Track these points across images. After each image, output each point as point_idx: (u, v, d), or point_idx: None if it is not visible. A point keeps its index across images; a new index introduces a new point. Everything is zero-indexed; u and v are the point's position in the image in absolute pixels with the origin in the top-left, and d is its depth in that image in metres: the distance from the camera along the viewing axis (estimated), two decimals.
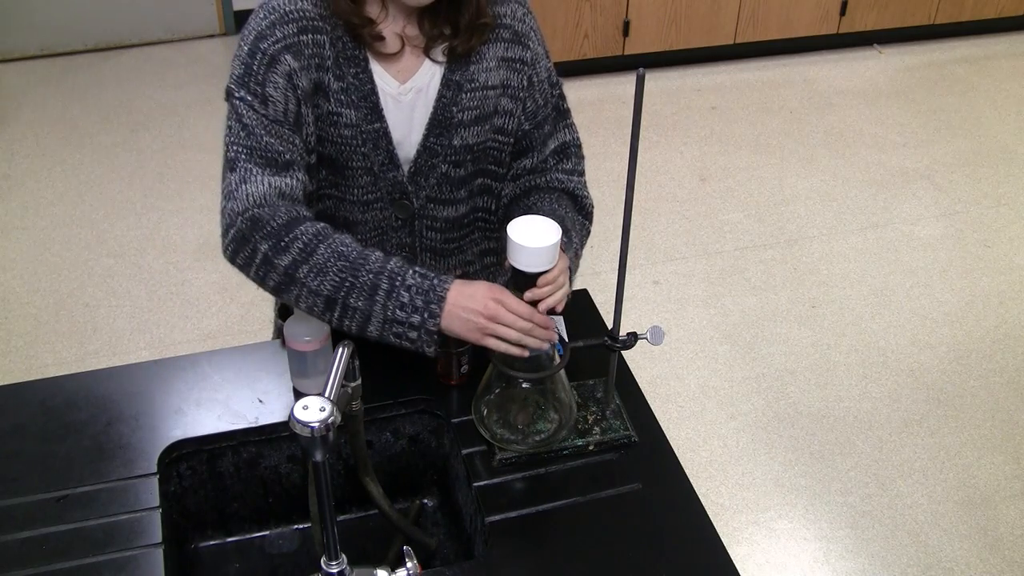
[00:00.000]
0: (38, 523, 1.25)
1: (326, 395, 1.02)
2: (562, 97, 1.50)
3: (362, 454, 1.25)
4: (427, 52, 1.37)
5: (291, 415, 0.98)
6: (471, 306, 1.22)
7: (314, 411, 0.98)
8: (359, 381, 1.16)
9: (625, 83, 4.28)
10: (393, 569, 1.13)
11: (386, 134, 1.38)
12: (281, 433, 1.40)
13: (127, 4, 4.44)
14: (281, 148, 1.30)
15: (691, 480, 1.33)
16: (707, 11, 4.23)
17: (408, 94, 1.38)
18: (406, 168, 1.42)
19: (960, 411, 2.70)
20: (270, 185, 1.28)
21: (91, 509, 1.27)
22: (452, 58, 1.37)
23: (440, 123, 1.39)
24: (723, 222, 3.45)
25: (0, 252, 3.22)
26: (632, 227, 2.98)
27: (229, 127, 1.32)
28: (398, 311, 1.21)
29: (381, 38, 1.33)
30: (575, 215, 1.50)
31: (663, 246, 3.31)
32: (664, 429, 1.41)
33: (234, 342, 2.82)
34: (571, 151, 1.54)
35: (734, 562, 1.22)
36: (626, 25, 4.14)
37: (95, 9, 4.40)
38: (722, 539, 1.25)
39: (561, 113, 1.51)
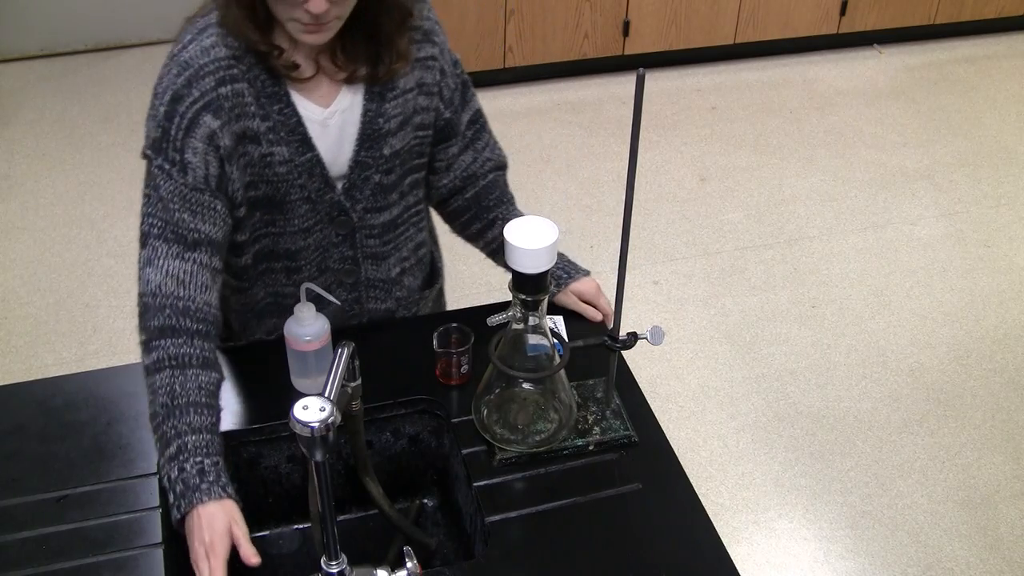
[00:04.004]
0: (38, 523, 1.25)
1: (326, 395, 1.02)
2: (463, 71, 1.52)
3: (362, 454, 1.25)
4: (346, 82, 1.37)
5: (291, 415, 0.98)
6: (195, 532, 1.17)
7: (314, 411, 0.98)
8: (359, 381, 1.16)
9: (625, 83, 4.28)
10: (393, 569, 1.13)
11: (319, 161, 1.38)
12: (281, 433, 1.40)
13: (127, 4, 4.44)
14: (193, 224, 1.30)
15: (691, 480, 1.33)
16: (707, 11, 4.23)
17: (334, 116, 1.38)
18: (340, 185, 1.43)
19: (960, 411, 2.71)
20: (167, 273, 1.29)
21: (91, 509, 1.27)
22: (371, 83, 1.38)
23: (369, 136, 1.40)
24: (723, 222, 3.45)
25: (0, 252, 3.22)
26: (632, 227, 2.98)
27: (147, 196, 1.31)
28: (171, 474, 1.21)
29: (295, 65, 1.31)
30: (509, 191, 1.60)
31: (663, 246, 3.31)
32: (664, 429, 1.41)
33: None
34: (480, 118, 1.57)
35: (734, 562, 1.23)
36: (626, 25, 4.14)
37: (95, 9, 4.40)
38: (722, 539, 1.25)
39: (466, 85, 1.52)
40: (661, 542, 1.24)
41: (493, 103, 4.08)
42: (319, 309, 1.41)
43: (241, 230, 1.40)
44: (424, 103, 1.44)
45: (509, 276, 1.27)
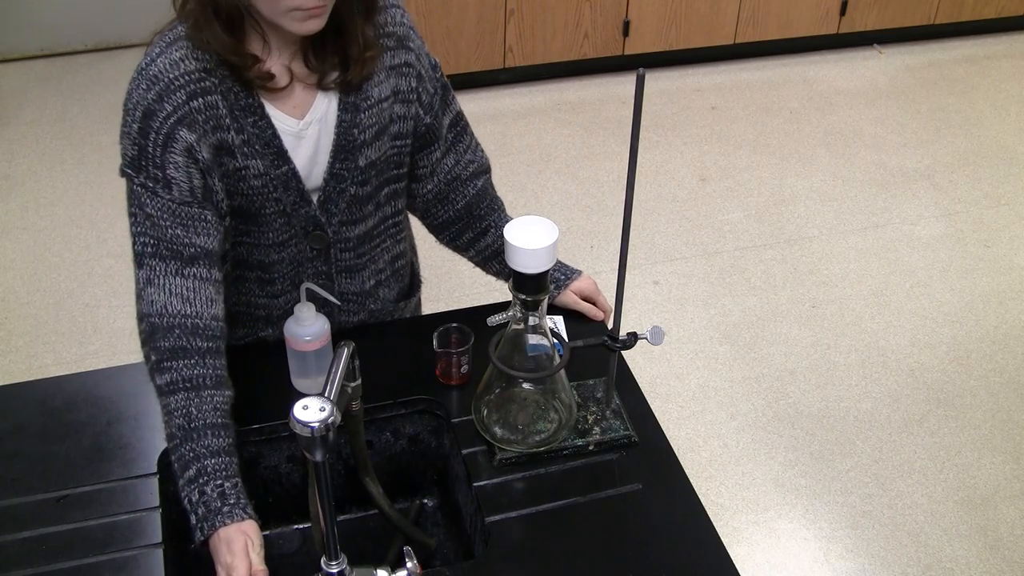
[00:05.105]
0: (38, 523, 1.25)
1: (326, 395, 1.02)
2: (442, 74, 1.49)
3: (362, 454, 1.25)
4: (320, 86, 1.35)
5: (291, 415, 0.98)
6: (218, 556, 1.18)
7: (314, 411, 0.98)
8: (359, 381, 1.16)
9: (625, 83, 4.28)
10: (393, 569, 1.13)
11: (295, 175, 1.36)
12: (281, 433, 1.40)
13: (127, 4, 4.44)
14: (188, 239, 1.29)
15: (691, 480, 1.33)
16: (707, 11, 4.23)
17: (309, 128, 1.35)
18: (315, 198, 1.41)
19: (960, 411, 2.70)
20: (170, 292, 1.28)
21: (91, 509, 1.27)
22: (345, 88, 1.36)
23: (344, 148, 1.37)
24: (723, 222, 3.45)
25: (0, 252, 3.22)
26: (632, 227, 2.98)
27: (133, 215, 1.29)
28: (192, 496, 1.21)
29: (270, 76, 1.29)
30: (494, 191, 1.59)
31: (663, 246, 3.31)
32: (664, 429, 1.41)
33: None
34: (462, 121, 1.54)
35: (734, 562, 1.23)
36: (626, 25, 4.14)
37: (95, 9, 4.40)
38: (722, 539, 1.25)
39: (446, 88, 1.50)
40: (661, 542, 1.24)
41: (493, 103, 4.08)
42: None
43: (225, 240, 1.38)
44: (401, 111, 1.42)
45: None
